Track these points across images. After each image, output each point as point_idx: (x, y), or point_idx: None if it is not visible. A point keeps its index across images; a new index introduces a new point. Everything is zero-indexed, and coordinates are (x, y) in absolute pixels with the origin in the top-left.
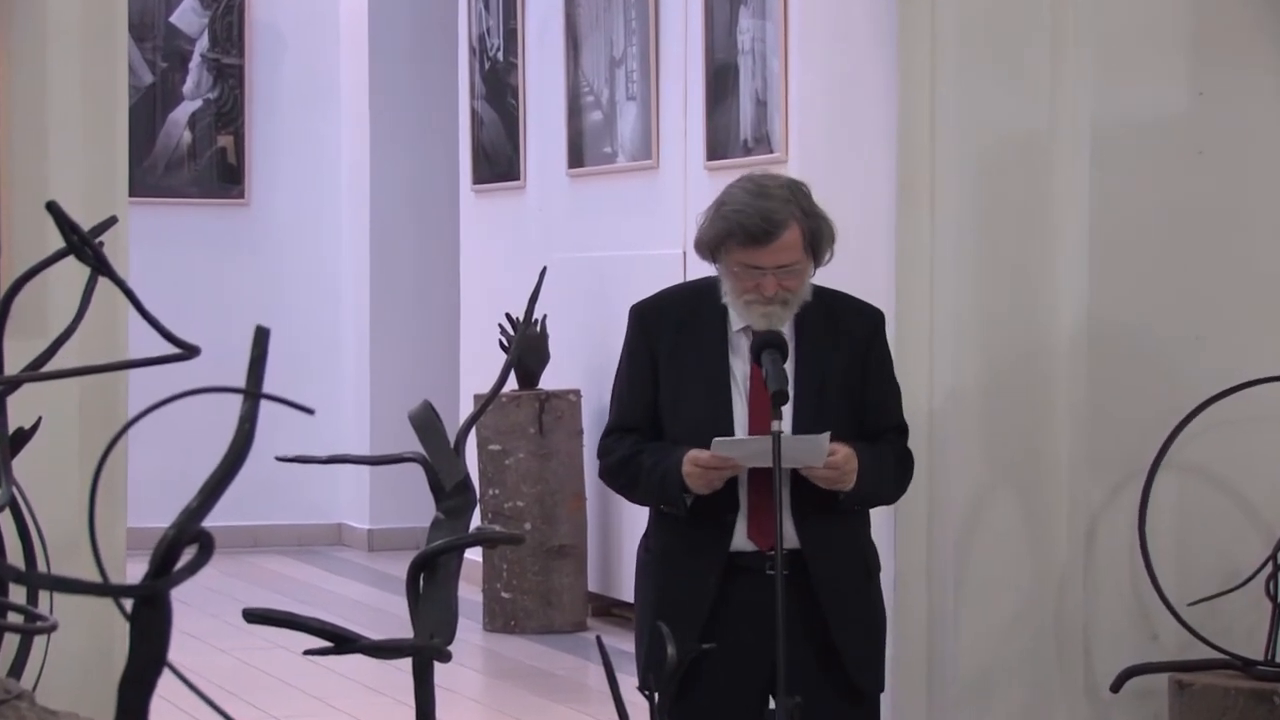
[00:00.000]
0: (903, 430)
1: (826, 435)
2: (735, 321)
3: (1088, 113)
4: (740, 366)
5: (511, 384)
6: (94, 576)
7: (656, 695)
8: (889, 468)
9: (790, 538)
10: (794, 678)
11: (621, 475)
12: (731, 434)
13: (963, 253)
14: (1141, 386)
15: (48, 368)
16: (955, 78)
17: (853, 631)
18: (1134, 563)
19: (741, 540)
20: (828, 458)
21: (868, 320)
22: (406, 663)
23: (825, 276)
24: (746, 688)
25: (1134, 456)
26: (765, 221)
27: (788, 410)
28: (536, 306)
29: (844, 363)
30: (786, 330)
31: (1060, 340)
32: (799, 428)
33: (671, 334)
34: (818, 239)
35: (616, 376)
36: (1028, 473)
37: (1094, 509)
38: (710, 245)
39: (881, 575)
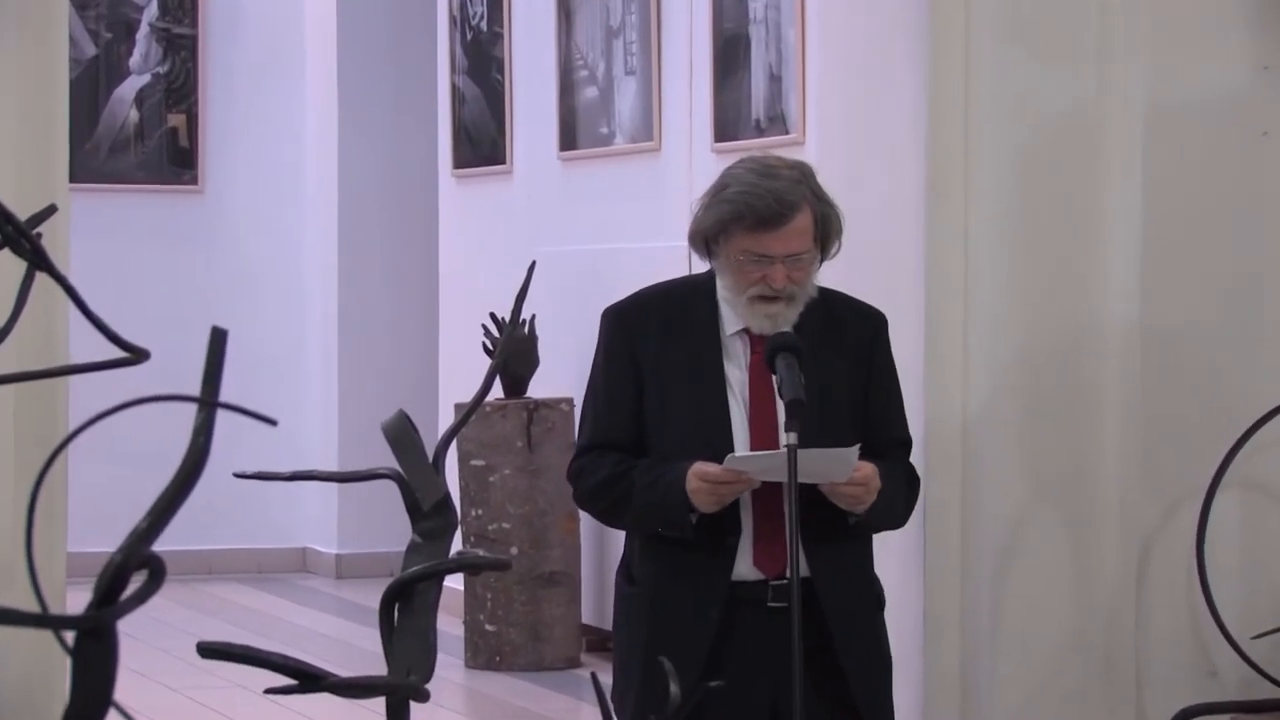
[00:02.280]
0: (907, 445)
1: (855, 449)
2: (729, 323)
3: (1140, 90)
4: (737, 374)
5: (496, 392)
6: (32, 606)
7: None
8: (900, 487)
9: (800, 564)
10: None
11: (607, 497)
12: (730, 450)
13: (1000, 247)
14: (1200, 394)
15: None
16: (993, 50)
17: (864, 669)
18: (1191, 591)
19: (745, 568)
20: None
21: (870, 324)
22: (379, 703)
23: (849, 273)
24: None
25: (1191, 472)
26: (777, 203)
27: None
28: (524, 305)
29: (847, 370)
30: None
31: (1109, 343)
32: (803, 443)
33: (656, 338)
34: (827, 227)
35: (590, 389)
36: (1073, 491)
37: (1147, 531)
38: (710, 234)
39: (909, 606)
